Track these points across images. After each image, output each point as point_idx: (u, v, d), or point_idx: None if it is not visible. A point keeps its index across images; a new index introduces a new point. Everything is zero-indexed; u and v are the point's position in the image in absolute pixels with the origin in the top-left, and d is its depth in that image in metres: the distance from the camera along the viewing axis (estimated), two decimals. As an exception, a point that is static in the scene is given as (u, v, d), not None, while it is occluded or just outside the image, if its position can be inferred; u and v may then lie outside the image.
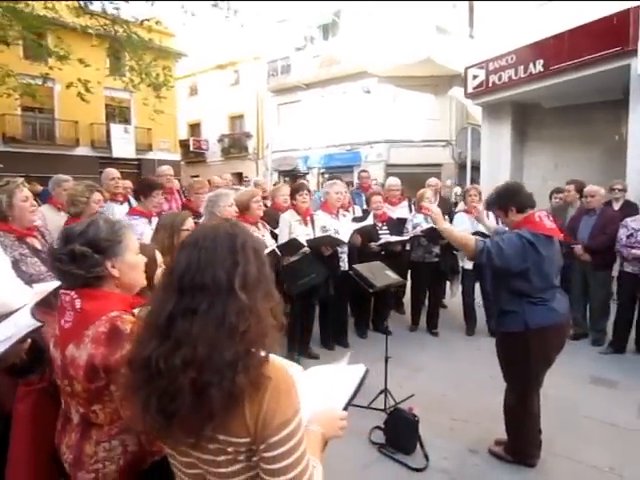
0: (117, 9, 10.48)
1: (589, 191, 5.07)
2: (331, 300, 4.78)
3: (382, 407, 3.59)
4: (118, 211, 4.37)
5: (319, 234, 4.68)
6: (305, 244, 4.17)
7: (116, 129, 19.66)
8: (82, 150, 19.34)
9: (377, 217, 5.28)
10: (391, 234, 5.20)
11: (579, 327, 5.22)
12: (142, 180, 4.59)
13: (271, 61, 21.60)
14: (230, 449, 1.05)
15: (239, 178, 20.97)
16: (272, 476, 1.04)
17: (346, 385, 1.44)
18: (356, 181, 8.94)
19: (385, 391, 3.61)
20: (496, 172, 9.89)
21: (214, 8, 10.80)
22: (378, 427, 3.34)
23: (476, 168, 10.74)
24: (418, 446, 3.15)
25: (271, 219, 4.62)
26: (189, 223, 2.92)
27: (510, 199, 2.81)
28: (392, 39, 16.77)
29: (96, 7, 10.77)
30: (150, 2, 10.33)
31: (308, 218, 4.65)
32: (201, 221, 3.85)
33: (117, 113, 20.45)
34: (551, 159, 9.65)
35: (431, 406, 3.78)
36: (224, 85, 24.63)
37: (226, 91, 24.56)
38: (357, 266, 3.71)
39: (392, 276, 3.76)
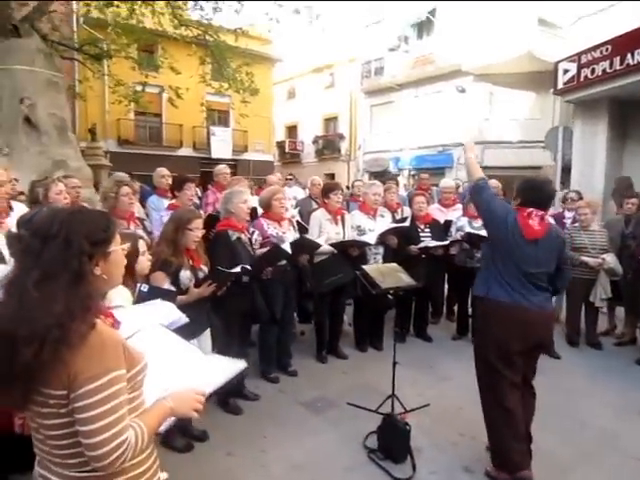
0: (209, 20, 11.27)
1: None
2: (364, 300, 4.70)
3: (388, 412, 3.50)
4: (166, 205, 4.74)
5: (351, 233, 4.70)
6: (321, 243, 4.18)
7: (215, 131, 20.96)
8: (185, 151, 21.04)
9: (419, 219, 5.14)
10: (433, 237, 5.03)
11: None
12: (175, 177, 4.94)
13: (365, 62, 21.59)
14: (52, 402, 1.19)
15: (332, 179, 21.41)
16: (80, 425, 1.17)
17: (219, 373, 1.52)
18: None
19: (392, 397, 3.51)
20: (590, 175, 9.01)
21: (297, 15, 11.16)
22: (374, 432, 3.28)
23: (569, 170, 9.86)
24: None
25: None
26: (196, 224, 3.07)
27: (522, 190, 2.81)
28: (489, 35, 15.91)
29: (193, 15, 11.67)
30: (237, 10, 10.93)
31: (339, 217, 4.67)
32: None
33: (217, 116, 21.80)
34: (657, 161, 8.55)
35: (443, 418, 3.64)
36: (320, 88, 25.22)
37: (321, 93, 25.13)
38: (367, 267, 3.65)
39: (405, 279, 3.63)
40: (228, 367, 1.55)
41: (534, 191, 2.76)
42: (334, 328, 4.83)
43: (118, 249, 1.37)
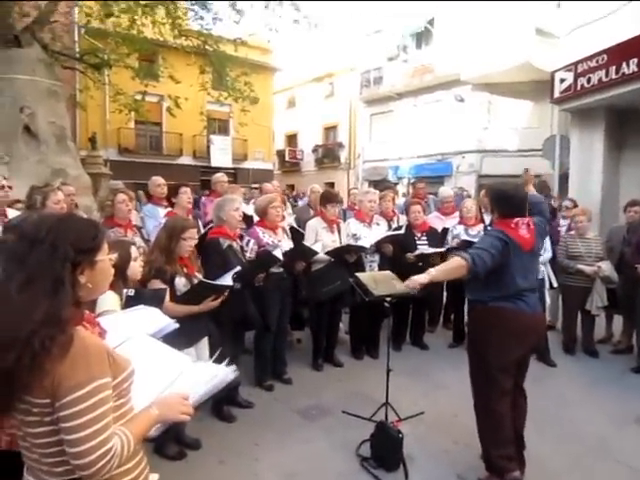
0: (209, 30, 11.38)
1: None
2: (361, 308, 4.72)
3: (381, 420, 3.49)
4: (162, 214, 4.78)
5: (346, 241, 4.71)
6: (317, 251, 4.21)
7: (215, 140, 21.06)
8: (185, 159, 21.12)
9: (416, 227, 5.15)
10: (430, 245, 5.03)
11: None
12: (170, 185, 4.98)
13: (364, 72, 21.79)
14: (36, 410, 1.20)
15: (331, 187, 21.46)
16: (65, 434, 1.18)
17: (208, 381, 1.52)
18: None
19: (386, 405, 3.51)
20: (586, 183, 9.07)
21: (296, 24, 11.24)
22: (367, 440, 3.27)
23: (567, 178, 9.90)
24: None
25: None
26: (189, 233, 3.06)
27: (497, 203, 2.79)
28: (487, 44, 16.04)
29: (194, 26, 11.77)
30: (236, 21, 11.04)
31: (334, 225, 4.70)
32: (210, 226, 4.09)
33: (217, 125, 21.90)
34: (653, 170, 8.59)
35: (437, 425, 3.64)
36: (320, 97, 25.49)
37: (321, 103, 25.38)
38: (360, 274, 3.65)
39: (398, 287, 3.61)
40: (218, 375, 1.54)
41: (508, 200, 2.75)
42: (331, 336, 4.84)
43: (105, 258, 1.36)
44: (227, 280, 3.13)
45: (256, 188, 8.46)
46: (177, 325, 2.04)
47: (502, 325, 2.69)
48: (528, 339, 2.78)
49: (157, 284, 2.87)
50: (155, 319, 1.93)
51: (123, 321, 1.79)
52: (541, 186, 6.42)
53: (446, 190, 6.18)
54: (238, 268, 3.30)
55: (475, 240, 4.38)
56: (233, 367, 1.60)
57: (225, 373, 1.56)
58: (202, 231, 4.27)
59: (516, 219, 2.69)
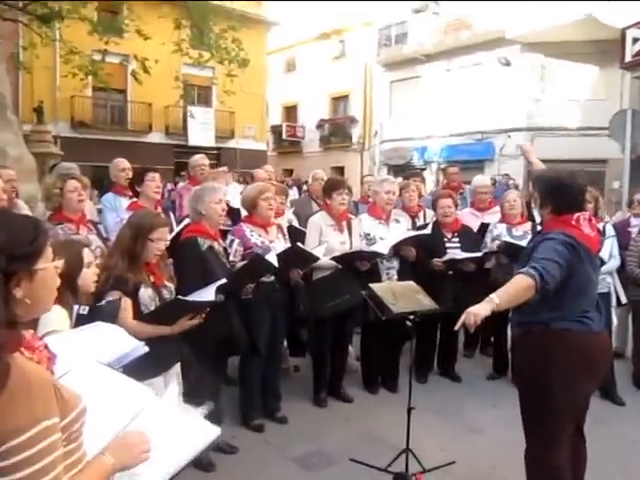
0: None
1: None
2: (376, 328, 4.73)
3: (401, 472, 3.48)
4: (125, 206, 4.76)
5: (359, 243, 4.71)
6: (317, 256, 4.17)
7: (194, 113, 21.40)
8: (155, 137, 21.42)
9: (446, 226, 5.15)
10: (463, 248, 5.01)
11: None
12: (135, 169, 5.00)
13: (383, 28, 21.89)
14: None
15: (340, 173, 21.49)
16: None
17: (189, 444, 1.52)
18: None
19: (407, 451, 3.50)
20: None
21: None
22: (382, 495, 3.26)
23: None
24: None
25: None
26: (159, 233, 3.03)
27: (551, 195, 2.81)
28: (541, -7, 16.02)
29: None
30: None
31: (344, 223, 4.67)
32: (186, 222, 4.09)
33: (196, 94, 22.18)
34: None
35: (471, 479, 3.61)
36: (326, 59, 25.58)
37: (329, 66, 25.48)
38: (375, 286, 3.65)
39: (424, 302, 3.63)
40: (195, 433, 1.54)
41: (565, 190, 2.78)
42: (337, 363, 4.83)
43: (49, 266, 1.34)
44: (209, 295, 3.11)
45: (245, 174, 8.49)
46: (147, 349, 2.04)
47: (569, 351, 2.68)
48: (600, 368, 2.80)
49: (116, 296, 2.86)
50: (119, 340, 1.92)
51: (77, 342, 1.77)
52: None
53: (481, 179, 6.12)
54: (224, 280, 3.29)
55: (522, 243, 4.49)
56: (217, 430, 1.58)
57: (205, 433, 1.55)
58: (176, 229, 4.28)
59: (576, 214, 2.72)
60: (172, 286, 3.19)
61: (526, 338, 2.86)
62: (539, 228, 3.71)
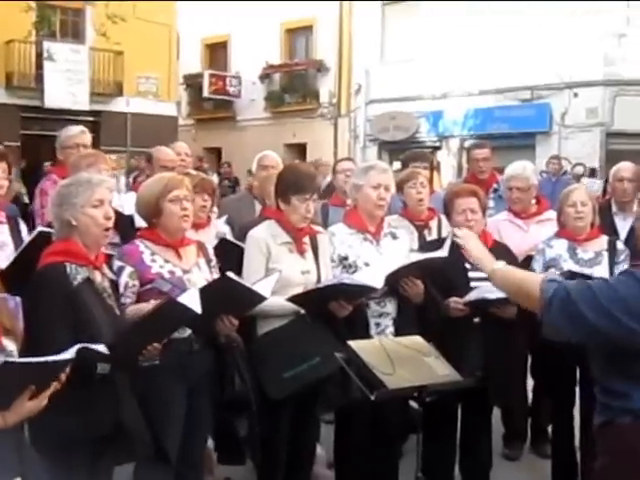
0: None
1: None
2: (360, 415, 3.79)
3: None
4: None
5: (331, 272, 3.73)
6: (263, 295, 3.27)
7: (54, 51, 15.86)
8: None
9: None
10: None
11: None
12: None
13: None
14: None
15: (301, 154, 17.34)
16: None
17: None
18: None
19: None
20: None
21: None
22: None
23: None
24: None
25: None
26: None
27: None
28: None
29: None
30: None
31: (307, 240, 3.66)
32: (39, 231, 3.48)
33: (58, 23, 16.44)
34: None
35: None
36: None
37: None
38: (360, 345, 2.96)
39: (439, 371, 2.99)
40: None
41: None
42: (296, 470, 3.84)
43: None
44: (68, 352, 2.39)
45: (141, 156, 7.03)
46: None
47: None
48: None
49: None
50: None
51: None
52: None
53: (520, 167, 4.86)
54: (102, 348, 2.58)
55: (594, 273, 3.77)
56: None
57: None
58: (24, 244, 3.55)
59: None
60: (13, 346, 2.35)
61: (607, 433, 2.40)
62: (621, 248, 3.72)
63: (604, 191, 6.68)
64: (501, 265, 2.54)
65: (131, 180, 8.98)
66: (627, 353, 2.19)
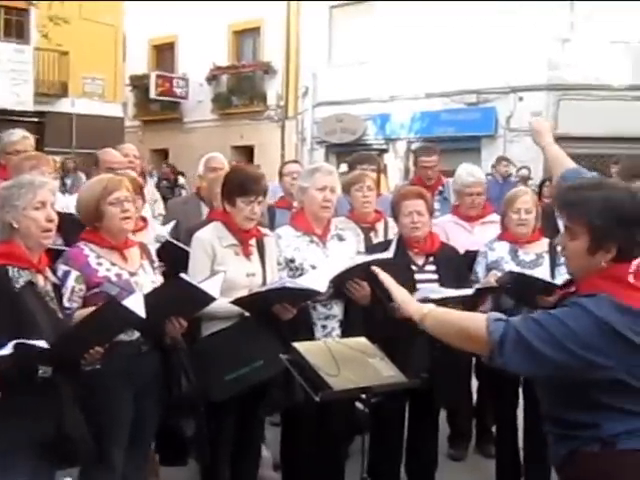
0: None
1: None
2: (305, 417, 3.83)
3: None
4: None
5: (277, 274, 3.76)
6: (213, 295, 3.27)
7: None
8: None
9: (414, 245, 4.07)
10: (443, 282, 3.97)
11: None
12: None
13: None
14: None
15: (248, 156, 17.18)
16: None
17: None
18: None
19: None
20: None
21: None
22: None
23: None
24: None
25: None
26: None
27: (612, 229, 2.12)
28: None
29: None
30: None
31: (253, 242, 3.67)
32: None
33: (2, 21, 16.66)
34: None
35: None
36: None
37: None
38: (304, 346, 2.92)
39: (384, 371, 2.95)
40: None
41: (628, 222, 2.15)
42: (242, 472, 3.90)
43: None
44: (6, 348, 2.48)
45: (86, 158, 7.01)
46: None
47: None
48: None
49: None
50: None
51: None
52: None
53: (469, 170, 4.93)
54: (42, 343, 2.54)
55: (535, 273, 3.93)
56: None
57: None
58: None
59: (637, 261, 2.22)
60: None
61: (576, 461, 2.29)
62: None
63: (539, 194, 6.82)
64: (432, 307, 2.45)
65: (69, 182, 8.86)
66: (592, 384, 2.16)
